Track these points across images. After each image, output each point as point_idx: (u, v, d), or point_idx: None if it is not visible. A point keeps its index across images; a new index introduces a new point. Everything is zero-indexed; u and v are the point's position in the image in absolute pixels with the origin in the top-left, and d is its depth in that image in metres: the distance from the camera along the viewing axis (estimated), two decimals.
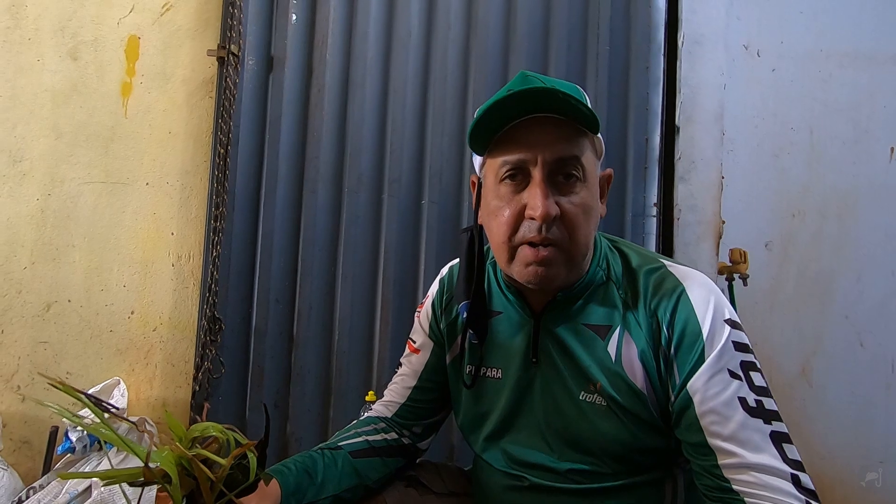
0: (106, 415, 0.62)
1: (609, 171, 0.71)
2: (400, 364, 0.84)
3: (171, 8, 1.59)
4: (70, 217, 1.58)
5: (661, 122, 1.48)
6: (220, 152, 1.46)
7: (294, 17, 1.48)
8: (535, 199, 0.61)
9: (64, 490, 1.29)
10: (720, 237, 1.62)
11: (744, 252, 1.62)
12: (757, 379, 0.60)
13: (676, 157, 1.51)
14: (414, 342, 0.83)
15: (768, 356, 1.72)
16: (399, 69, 1.48)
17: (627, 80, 1.45)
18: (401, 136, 1.47)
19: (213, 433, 0.56)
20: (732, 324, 0.62)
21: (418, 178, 1.47)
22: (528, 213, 0.62)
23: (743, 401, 0.58)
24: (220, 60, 1.49)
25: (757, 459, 0.57)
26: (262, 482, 0.59)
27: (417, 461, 0.85)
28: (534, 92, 0.60)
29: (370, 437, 0.78)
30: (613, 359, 0.66)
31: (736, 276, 1.63)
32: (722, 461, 0.58)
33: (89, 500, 1.24)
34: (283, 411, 1.45)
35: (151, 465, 0.52)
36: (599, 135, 0.68)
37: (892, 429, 1.71)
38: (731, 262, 1.62)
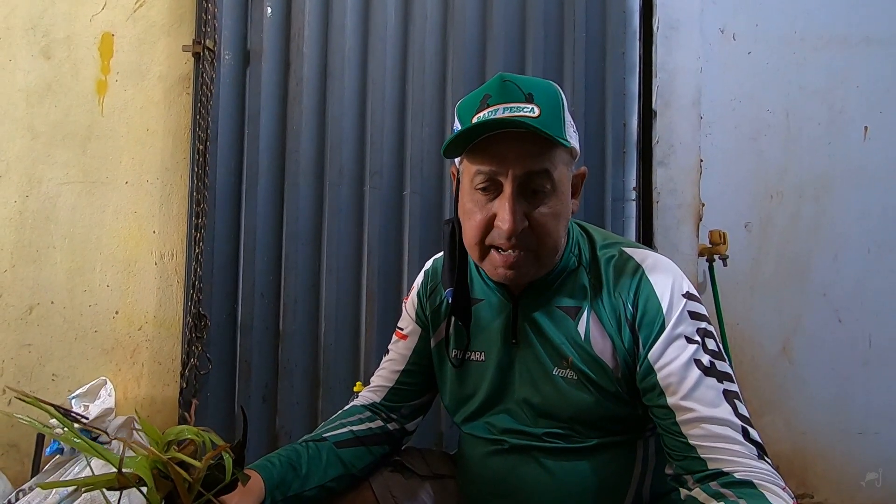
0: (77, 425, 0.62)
1: (583, 169, 0.75)
2: (388, 351, 0.87)
3: (145, 3, 1.57)
4: (49, 218, 1.56)
5: (639, 107, 1.50)
6: (199, 149, 1.45)
7: (269, 9, 1.47)
8: (503, 213, 0.65)
9: (54, 491, 1.29)
10: (700, 220, 1.65)
11: (723, 233, 1.64)
12: (711, 344, 0.65)
13: (654, 141, 1.53)
14: (401, 329, 0.86)
15: (749, 335, 1.76)
16: (377, 60, 1.48)
17: (604, 66, 1.46)
18: (381, 127, 1.48)
19: (189, 436, 0.57)
20: (689, 296, 0.67)
21: (399, 169, 1.47)
22: (496, 223, 0.66)
23: (698, 362, 0.63)
24: (196, 56, 1.47)
25: (710, 413, 0.61)
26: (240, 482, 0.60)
27: (403, 447, 0.87)
28: (506, 121, 0.64)
29: (355, 428, 0.80)
30: (583, 337, 0.70)
31: (716, 257, 1.66)
32: (679, 417, 0.63)
33: (79, 500, 1.24)
34: (271, 405, 1.46)
35: (126, 470, 0.53)
36: (576, 137, 0.72)
37: (870, 403, 1.76)
38: (710, 243, 1.65)
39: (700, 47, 1.64)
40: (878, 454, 1.74)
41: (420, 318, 0.84)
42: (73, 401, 1.43)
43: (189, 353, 1.43)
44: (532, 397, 0.73)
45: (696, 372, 0.62)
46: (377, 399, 0.84)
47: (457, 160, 0.74)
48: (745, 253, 1.75)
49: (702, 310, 0.67)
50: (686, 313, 0.65)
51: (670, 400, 0.63)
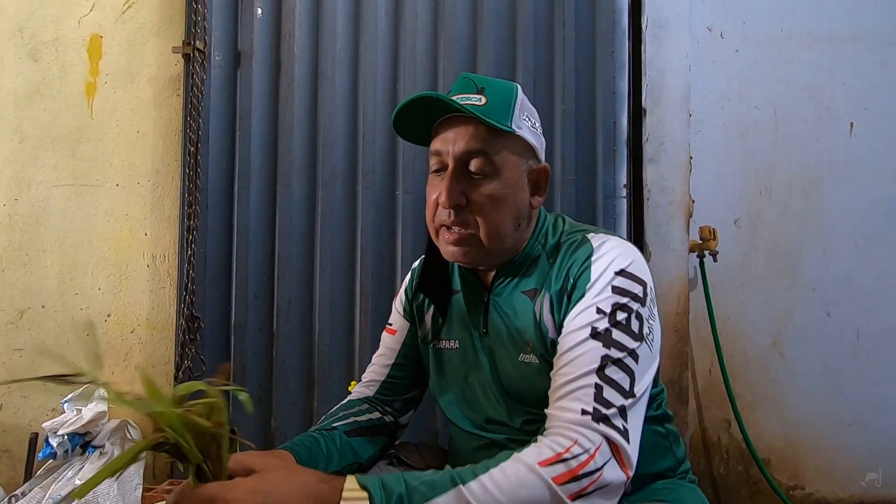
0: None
1: (544, 165, 0.77)
2: (380, 345, 0.89)
3: (133, 5, 1.57)
4: (39, 221, 1.55)
5: (629, 105, 1.51)
6: (190, 150, 1.45)
7: (259, 10, 1.47)
8: (442, 189, 0.70)
9: (47, 495, 1.29)
10: (690, 216, 1.66)
11: (713, 229, 1.66)
12: (620, 316, 0.64)
13: (644, 139, 1.54)
14: (391, 325, 0.89)
15: (741, 330, 1.78)
16: (368, 60, 1.48)
17: (594, 65, 1.47)
18: (372, 127, 1.48)
19: (200, 387, 0.54)
20: (622, 273, 0.67)
21: (392, 168, 1.48)
22: (439, 199, 0.71)
23: (594, 329, 0.63)
24: (186, 57, 1.47)
25: (572, 371, 0.62)
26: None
27: (398, 442, 0.89)
28: (437, 102, 0.70)
29: (358, 418, 0.82)
30: (538, 318, 0.72)
31: (706, 252, 1.67)
32: (553, 373, 0.65)
33: None
34: (266, 406, 1.46)
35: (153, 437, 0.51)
36: (534, 133, 0.75)
37: (860, 395, 1.78)
38: (701, 239, 1.66)
39: (688, 46, 1.66)
40: (867, 445, 1.76)
41: (407, 313, 0.87)
42: (66, 405, 1.42)
43: (183, 356, 1.42)
44: (504, 383, 0.75)
45: (584, 335, 0.63)
46: (370, 393, 0.86)
47: None
48: (735, 248, 1.76)
49: (633, 287, 0.66)
50: (609, 287, 0.66)
51: (556, 358, 0.65)
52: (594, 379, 0.60)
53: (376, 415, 0.84)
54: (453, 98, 0.70)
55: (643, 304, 0.66)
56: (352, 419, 0.82)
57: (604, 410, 0.59)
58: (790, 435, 1.78)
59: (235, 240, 1.47)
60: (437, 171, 0.73)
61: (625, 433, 0.59)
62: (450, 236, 0.71)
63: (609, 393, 0.60)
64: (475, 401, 0.78)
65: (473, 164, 0.70)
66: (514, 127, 0.71)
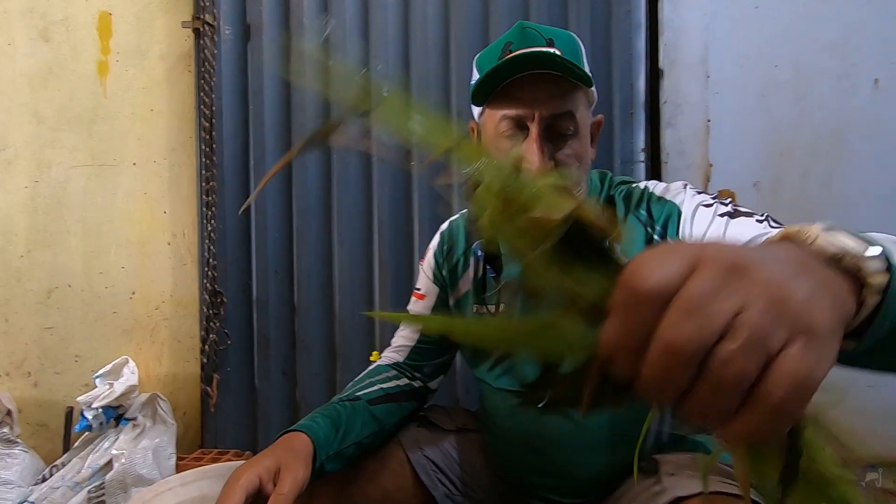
0: None
1: (600, 117, 0.77)
2: (407, 313, 0.89)
3: None
4: (61, 202, 1.57)
5: (646, 66, 1.48)
6: (205, 126, 1.45)
7: None
8: (531, 154, 0.67)
9: (86, 465, 1.34)
10: (708, 180, 1.64)
11: (732, 193, 1.63)
12: (727, 202, 0.66)
13: (662, 101, 1.51)
14: (419, 290, 0.88)
15: None
16: (378, 28, 1.45)
17: (609, 26, 1.43)
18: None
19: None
20: (690, 186, 0.71)
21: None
22: (524, 165, 0.65)
23: (721, 213, 0.65)
24: (196, 32, 1.46)
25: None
26: None
27: (427, 405, 0.90)
28: (533, 56, 0.66)
29: (384, 385, 0.82)
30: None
31: None
32: None
33: (111, 472, 1.29)
34: (290, 378, 1.49)
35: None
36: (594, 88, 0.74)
37: None
38: None
39: (707, 3, 1.60)
40: (857, 411, 1.76)
41: (437, 278, 0.86)
42: (98, 380, 1.47)
43: (208, 330, 1.45)
44: None
45: (723, 220, 0.63)
46: (400, 359, 0.86)
47: (476, 114, 0.75)
48: (755, 210, 1.74)
49: (706, 195, 0.69)
50: (691, 191, 0.69)
51: None
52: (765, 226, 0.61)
53: (404, 381, 0.84)
54: (521, 51, 0.67)
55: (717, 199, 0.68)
56: (377, 387, 0.81)
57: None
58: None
59: (254, 216, 1.48)
60: (509, 134, 0.69)
61: None
62: None
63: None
64: (517, 362, 0.77)
65: (559, 126, 0.68)
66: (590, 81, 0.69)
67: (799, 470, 0.28)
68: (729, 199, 0.68)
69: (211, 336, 1.44)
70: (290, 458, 0.65)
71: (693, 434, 0.73)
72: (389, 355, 0.88)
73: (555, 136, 0.68)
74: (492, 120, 0.70)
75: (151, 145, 1.57)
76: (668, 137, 1.55)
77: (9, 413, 1.47)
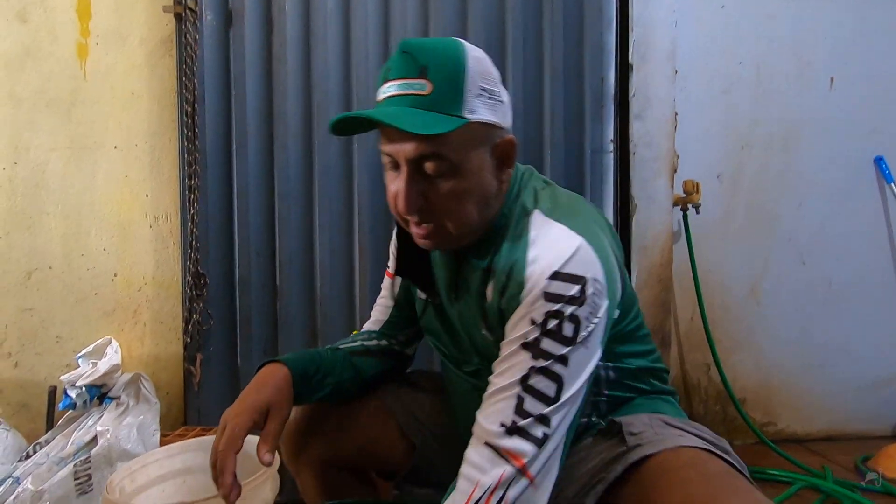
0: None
1: (508, 138, 0.69)
2: (381, 289, 0.95)
3: None
4: (40, 185, 1.58)
5: (616, 60, 1.55)
6: (186, 111, 1.47)
7: None
8: (399, 196, 0.66)
9: (71, 441, 1.37)
10: (675, 171, 1.73)
11: (696, 183, 1.73)
12: (552, 325, 0.62)
13: (631, 94, 1.59)
14: (389, 268, 0.94)
15: (720, 280, 1.88)
16: (359, 18, 1.49)
17: (582, 20, 1.50)
18: (366, 86, 1.50)
19: None
20: (557, 276, 0.63)
21: None
22: (397, 203, 0.67)
23: (525, 340, 0.63)
24: (178, 17, 1.47)
25: (497, 381, 0.64)
26: None
27: (408, 370, 0.97)
28: (367, 119, 0.63)
29: (366, 342, 0.89)
30: (489, 300, 0.71)
31: (690, 206, 1.75)
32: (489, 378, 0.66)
33: (97, 447, 1.32)
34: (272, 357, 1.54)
35: None
36: (494, 106, 0.66)
37: (829, 339, 1.91)
38: (684, 193, 1.74)
39: (675, 1, 1.68)
40: (835, 385, 1.90)
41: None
42: (81, 360, 1.49)
43: (191, 311, 1.48)
44: (477, 347, 0.77)
45: (514, 346, 0.63)
46: (376, 329, 0.92)
47: None
48: (717, 202, 1.84)
49: (567, 290, 0.62)
50: (542, 295, 0.62)
51: (493, 364, 0.66)
52: (517, 390, 0.61)
53: (384, 342, 0.90)
54: (392, 83, 0.64)
55: (581, 304, 0.62)
56: (359, 343, 0.88)
57: (520, 422, 0.61)
58: (764, 376, 1.91)
59: (236, 200, 1.51)
60: (390, 166, 0.68)
61: (541, 440, 0.61)
62: (417, 230, 0.69)
63: (530, 404, 0.61)
64: (455, 355, 0.82)
65: (428, 167, 0.64)
66: (467, 116, 0.63)
67: None
68: (559, 322, 0.62)
69: (194, 316, 1.48)
70: (276, 397, 0.71)
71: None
72: (368, 326, 0.94)
73: (428, 174, 0.65)
74: (381, 150, 0.69)
75: (132, 129, 1.58)
76: (636, 129, 1.63)
77: None
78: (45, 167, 1.57)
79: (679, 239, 1.80)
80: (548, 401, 0.61)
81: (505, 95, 0.69)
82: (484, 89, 0.65)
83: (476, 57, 0.66)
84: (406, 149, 0.64)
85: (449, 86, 0.63)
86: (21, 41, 1.55)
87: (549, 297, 0.62)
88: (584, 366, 0.64)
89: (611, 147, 1.56)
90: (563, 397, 0.62)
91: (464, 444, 0.65)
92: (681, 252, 1.79)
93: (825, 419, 1.92)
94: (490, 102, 0.66)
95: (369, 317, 0.96)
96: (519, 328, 0.64)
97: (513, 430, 0.61)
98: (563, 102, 1.50)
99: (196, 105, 1.47)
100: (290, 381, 0.74)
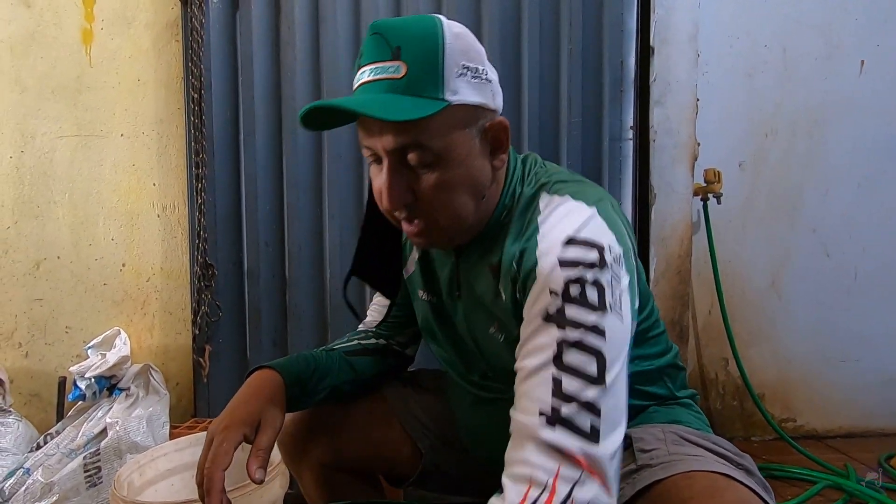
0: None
1: (499, 120, 0.64)
2: None
3: None
4: (47, 173, 1.56)
5: (636, 43, 1.48)
6: (193, 97, 1.44)
7: None
8: (383, 192, 0.60)
9: (81, 433, 1.36)
10: (695, 159, 1.67)
11: (718, 172, 1.67)
12: (575, 292, 0.54)
13: (651, 79, 1.53)
14: None
15: (740, 271, 1.82)
16: (369, 0, 1.44)
17: (601, 2, 1.43)
18: None
19: None
20: (571, 242, 0.57)
21: None
22: (382, 200, 0.62)
23: (546, 312, 0.55)
24: (183, 1, 1.43)
25: (527, 363, 0.55)
26: None
27: (414, 370, 0.92)
28: (337, 108, 0.58)
29: (363, 341, 0.84)
30: (503, 297, 0.65)
31: (710, 195, 1.69)
32: (515, 368, 0.57)
33: (106, 439, 1.31)
34: (281, 349, 1.52)
35: None
36: (479, 85, 0.61)
37: (852, 332, 1.85)
38: (705, 181, 1.67)
39: None
40: (857, 380, 1.84)
41: None
42: (90, 351, 1.48)
43: (199, 302, 1.46)
44: (482, 351, 0.73)
45: (537, 322, 0.55)
46: (373, 328, 0.88)
47: None
48: (738, 191, 1.78)
49: (585, 255, 0.55)
50: (557, 264, 0.56)
51: (516, 350, 0.58)
52: (550, 371, 0.52)
53: (382, 341, 0.85)
54: (365, 68, 0.59)
55: (602, 269, 0.55)
56: (355, 342, 0.82)
57: (564, 410, 0.51)
58: (783, 371, 1.86)
59: (244, 188, 1.48)
60: (372, 160, 0.62)
61: (592, 434, 0.50)
62: (408, 228, 0.63)
63: (569, 384, 0.51)
64: (453, 360, 0.78)
65: (412, 158, 0.59)
66: (449, 98, 0.57)
67: None
68: (579, 286, 0.54)
69: (203, 308, 1.46)
70: (267, 408, 0.66)
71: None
72: (364, 327, 0.89)
73: (412, 165, 0.59)
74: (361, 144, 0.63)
75: (139, 116, 1.55)
76: (656, 116, 1.57)
77: (0, 383, 1.48)
78: (52, 155, 1.55)
79: (698, 230, 1.74)
80: (591, 380, 0.51)
81: (492, 73, 0.63)
82: (466, 67, 0.59)
83: (455, 33, 0.59)
84: (384, 139, 0.58)
85: (425, 66, 0.57)
86: (26, 26, 1.52)
87: (567, 263, 0.55)
88: (623, 337, 0.55)
89: (630, 134, 1.50)
90: (608, 378, 0.52)
91: (468, 455, 0.60)
92: (700, 242, 1.73)
93: (846, 415, 1.86)
94: (474, 82, 0.60)
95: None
96: (539, 303, 0.56)
97: (556, 420, 0.50)
98: (580, 87, 1.45)
99: (203, 91, 1.43)
100: (282, 389, 0.69)
